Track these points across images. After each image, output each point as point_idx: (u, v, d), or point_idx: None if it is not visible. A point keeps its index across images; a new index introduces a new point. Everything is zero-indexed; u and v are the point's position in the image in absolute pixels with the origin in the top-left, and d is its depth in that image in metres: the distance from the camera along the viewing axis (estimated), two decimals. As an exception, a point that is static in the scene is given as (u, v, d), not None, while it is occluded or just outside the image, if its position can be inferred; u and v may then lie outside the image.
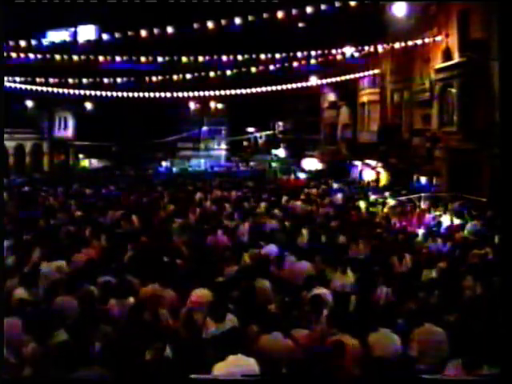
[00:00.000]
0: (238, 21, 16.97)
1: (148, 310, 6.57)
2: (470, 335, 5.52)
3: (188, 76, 25.81)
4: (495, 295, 7.40)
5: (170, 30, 17.42)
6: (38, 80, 26.51)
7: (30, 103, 44.96)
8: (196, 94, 31.29)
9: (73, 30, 31.74)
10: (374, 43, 25.12)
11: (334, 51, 25.20)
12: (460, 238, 12.84)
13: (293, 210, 17.69)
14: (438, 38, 24.42)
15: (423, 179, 26.79)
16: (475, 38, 21.67)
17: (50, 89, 27.76)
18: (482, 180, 20.21)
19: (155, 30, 17.45)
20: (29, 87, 27.46)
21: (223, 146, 74.83)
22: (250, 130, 71.96)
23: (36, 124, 47.93)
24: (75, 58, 20.92)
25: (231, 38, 21.06)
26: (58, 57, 20.56)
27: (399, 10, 25.12)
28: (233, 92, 30.55)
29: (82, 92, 28.32)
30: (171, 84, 27.06)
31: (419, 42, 24.86)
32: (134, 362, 5.32)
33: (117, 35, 17.86)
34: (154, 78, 25.94)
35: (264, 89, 30.74)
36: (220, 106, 62.26)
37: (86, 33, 29.54)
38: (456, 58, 22.98)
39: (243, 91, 30.34)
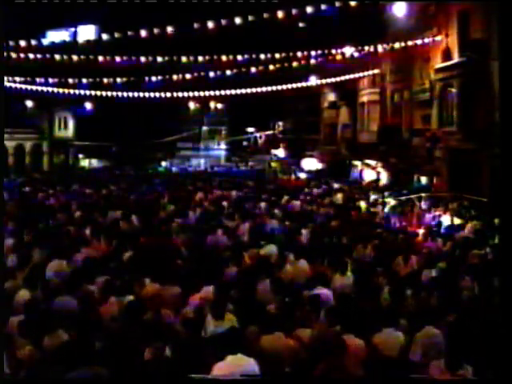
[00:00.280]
0: (238, 21, 16.99)
1: (149, 310, 6.57)
2: (467, 335, 5.51)
3: (188, 76, 25.83)
4: (493, 295, 7.40)
5: (169, 29, 17.44)
6: (37, 80, 26.53)
7: (30, 103, 44.96)
8: (196, 93, 31.31)
9: (73, 29, 31.73)
10: (373, 43, 25.13)
11: (334, 51, 25.21)
12: (460, 238, 12.85)
13: (293, 210, 17.69)
14: (438, 38, 24.44)
15: (423, 179, 26.80)
16: (475, 38, 21.68)
17: (49, 89, 27.77)
18: (482, 180, 20.22)
19: (155, 30, 17.46)
20: (29, 87, 27.47)
21: (223, 145, 74.91)
22: (250, 129, 72.00)
23: (36, 124, 47.95)
24: (75, 57, 20.94)
25: (231, 38, 21.05)
26: (57, 57, 20.57)
27: (399, 10, 25.15)
28: (233, 92, 30.56)
29: (82, 92, 28.33)
30: (171, 84, 27.06)
31: (419, 42, 24.87)
32: (133, 362, 5.32)
33: (117, 35, 17.88)
34: (153, 78, 25.94)
35: (264, 89, 30.75)
36: (220, 105, 62.28)
37: (86, 33, 29.56)
38: (456, 58, 22.99)
39: (243, 91, 30.35)
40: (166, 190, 22.71)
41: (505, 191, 5.44)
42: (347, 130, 40.36)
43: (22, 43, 18.18)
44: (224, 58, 22.94)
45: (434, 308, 7.08)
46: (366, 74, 33.26)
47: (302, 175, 40.31)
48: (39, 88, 27.70)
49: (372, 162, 33.14)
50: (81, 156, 55.98)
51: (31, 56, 19.78)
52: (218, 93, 31.07)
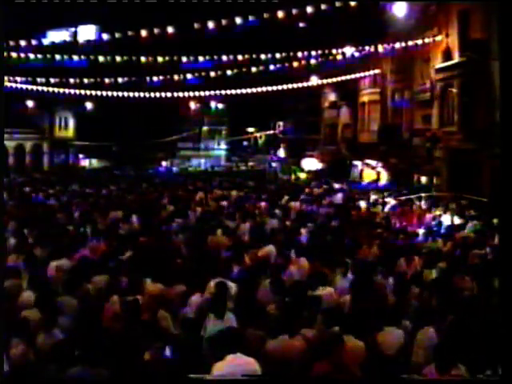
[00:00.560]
0: (238, 21, 16.99)
1: (149, 310, 6.56)
2: (464, 335, 5.52)
3: (188, 76, 25.82)
4: (493, 295, 7.39)
5: (170, 29, 17.43)
6: (38, 80, 26.52)
7: (30, 103, 44.99)
8: (196, 93, 31.31)
9: (73, 29, 31.71)
10: (374, 43, 25.12)
11: (334, 51, 25.21)
12: (460, 238, 12.83)
13: (293, 210, 17.67)
14: (438, 38, 24.44)
15: (423, 179, 26.79)
16: (475, 38, 21.69)
17: (50, 89, 27.77)
18: (482, 180, 20.21)
19: (155, 30, 17.46)
20: (29, 87, 27.47)
21: (223, 145, 74.91)
22: (250, 129, 71.99)
23: (36, 124, 47.96)
24: (75, 57, 20.94)
25: (231, 38, 21.05)
26: (58, 57, 20.56)
27: (399, 10, 25.14)
28: (233, 92, 30.56)
29: (83, 92, 28.33)
30: (171, 84, 27.06)
31: (419, 41, 24.87)
32: (132, 362, 5.32)
33: (117, 35, 17.87)
34: (154, 78, 25.94)
35: (264, 89, 30.74)
36: (220, 105, 62.31)
37: (86, 33, 29.53)
38: (456, 58, 23.00)
39: (243, 91, 30.35)
40: (166, 190, 22.72)
41: (505, 191, 5.43)
42: (347, 130, 40.36)
43: (22, 43, 18.17)
44: (224, 57, 22.94)
45: (434, 308, 7.07)
46: (366, 73, 33.26)
47: (302, 175, 40.30)
48: (40, 88, 27.69)
49: (372, 162, 33.14)
50: (81, 156, 55.98)
51: (31, 56, 19.79)
52: (218, 93, 31.08)
